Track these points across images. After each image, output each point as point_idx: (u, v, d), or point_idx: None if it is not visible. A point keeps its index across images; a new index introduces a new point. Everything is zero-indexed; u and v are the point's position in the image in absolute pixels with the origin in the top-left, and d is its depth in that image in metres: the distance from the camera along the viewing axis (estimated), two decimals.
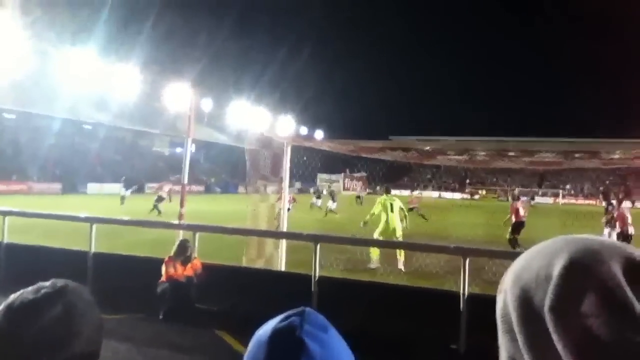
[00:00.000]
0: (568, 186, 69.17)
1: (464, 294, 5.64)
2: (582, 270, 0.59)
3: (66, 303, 1.04)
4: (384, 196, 11.28)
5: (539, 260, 0.64)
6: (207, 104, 57.92)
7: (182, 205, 9.10)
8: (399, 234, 10.89)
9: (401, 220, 11.09)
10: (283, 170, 8.98)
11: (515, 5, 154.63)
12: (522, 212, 13.81)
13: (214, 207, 27.01)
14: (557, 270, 0.61)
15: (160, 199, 23.28)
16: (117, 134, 55.23)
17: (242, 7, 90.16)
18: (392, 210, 10.87)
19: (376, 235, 10.79)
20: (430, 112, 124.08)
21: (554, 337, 0.58)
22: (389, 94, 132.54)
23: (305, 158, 9.91)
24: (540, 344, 0.60)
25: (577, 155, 11.95)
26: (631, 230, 12.45)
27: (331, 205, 26.06)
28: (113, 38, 47.34)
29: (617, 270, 0.59)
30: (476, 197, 54.58)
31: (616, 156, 10.79)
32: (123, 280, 6.59)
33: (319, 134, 70.98)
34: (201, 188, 51.85)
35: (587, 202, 52.49)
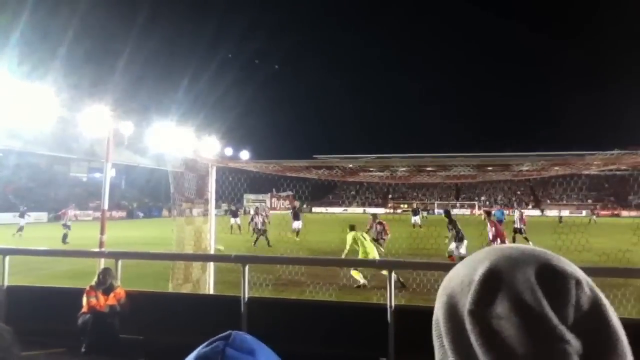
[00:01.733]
0: (483, 197, 72.92)
1: (390, 306, 5.81)
2: (497, 276, 0.63)
3: None
4: (353, 232, 11.91)
5: (465, 269, 0.68)
6: (127, 127, 55.93)
7: (102, 232, 8.77)
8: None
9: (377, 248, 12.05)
10: (208, 192, 8.89)
11: (432, 27, 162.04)
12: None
13: (137, 233, 26.08)
14: (477, 276, 0.64)
15: (66, 227, 22.19)
16: (30, 160, 52.08)
17: (163, 28, 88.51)
18: (365, 240, 11.70)
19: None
20: (352, 131, 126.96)
21: (472, 338, 0.61)
22: (313, 115, 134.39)
23: (231, 179, 9.85)
24: (463, 346, 0.62)
25: (489, 168, 12.64)
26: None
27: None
28: (25, 60, 44.83)
29: (530, 274, 0.61)
30: (398, 211, 56.11)
31: (525, 168, 11.51)
32: (41, 314, 6.24)
33: (245, 155, 70.62)
34: (123, 214, 49.85)
35: None
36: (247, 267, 6.32)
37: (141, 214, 53.41)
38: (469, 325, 0.62)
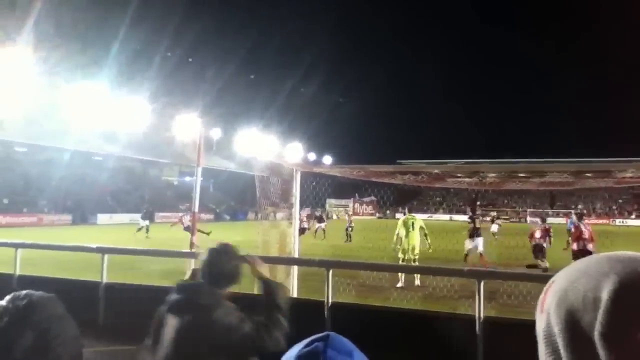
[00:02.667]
0: (580, 206, 68.59)
1: (479, 318, 5.54)
2: (634, 294, 0.57)
3: (35, 327, 0.91)
4: (407, 215, 11.96)
5: (585, 281, 0.62)
6: (215, 133, 58.41)
7: (193, 233, 9.09)
8: (417, 251, 11.43)
9: (425, 237, 11.79)
10: (293, 196, 8.97)
11: (512, 29, 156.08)
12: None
13: (224, 235, 26.99)
14: (606, 293, 0.58)
15: (188, 229, 23.24)
16: (126, 164, 55.74)
17: (249, 37, 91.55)
18: (412, 229, 11.46)
19: (399, 254, 11.41)
20: (438, 135, 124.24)
21: None
22: (396, 119, 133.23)
23: (314, 184, 9.90)
24: None
25: (588, 174, 11.85)
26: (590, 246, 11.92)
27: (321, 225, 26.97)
28: (122, 71, 48.14)
29: None
30: (487, 219, 54.29)
31: (628, 175, 10.68)
32: (135, 311, 6.54)
33: (327, 160, 71.39)
34: (210, 216, 51.91)
35: (599, 221, 51.88)
36: (330, 272, 6.28)
37: (227, 217, 55.33)
38: (602, 349, 0.56)
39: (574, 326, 0.60)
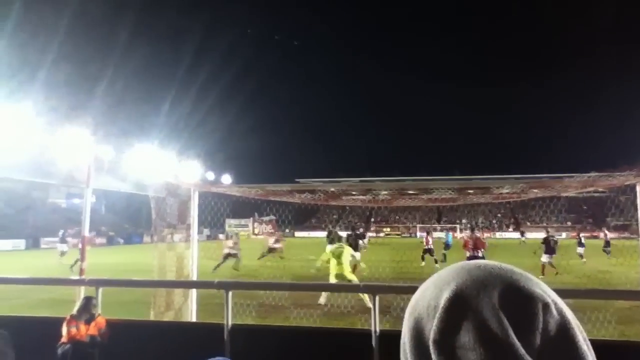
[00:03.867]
0: (464, 220, 73.38)
1: (375, 332, 5.78)
2: (463, 302, 0.59)
3: None
4: (336, 244, 12.24)
5: (432, 290, 0.64)
6: (107, 151, 55.43)
7: (82, 259, 8.63)
8: (349, 278, 11.46)
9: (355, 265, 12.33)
10: (190, 217, 8.82)
11: (399, 44, 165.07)
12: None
13: (117, 260, 25.69)
14: (442, 301, 0.61)
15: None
16: (7, 185, 51.19)
17: (143, 50, 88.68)
18: (341, 259, 11.47)
19: (331, 278, 11.41)
20: (335, 155, 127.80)
21: None
22: (295, 139, 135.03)
23: (213, 204, 9.80)
24: None
25: (470, 191, 12.83)
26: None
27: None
28: (4, 83, 44.32)
29: (495, 299, 0.58)
30: (381, 234, 56.31)
31: (505, 191, 11.69)
32: (20, 344, 6.08)
33: (227, 179, 70.38)
34: (103, 240, 49.06)
35: (481, 234, 55.64)
36: (230, 293, 6.25)
37: (121, 240, 52.64)
38: (433, 355, 0.59)
39: (418, 334, 0.62)
